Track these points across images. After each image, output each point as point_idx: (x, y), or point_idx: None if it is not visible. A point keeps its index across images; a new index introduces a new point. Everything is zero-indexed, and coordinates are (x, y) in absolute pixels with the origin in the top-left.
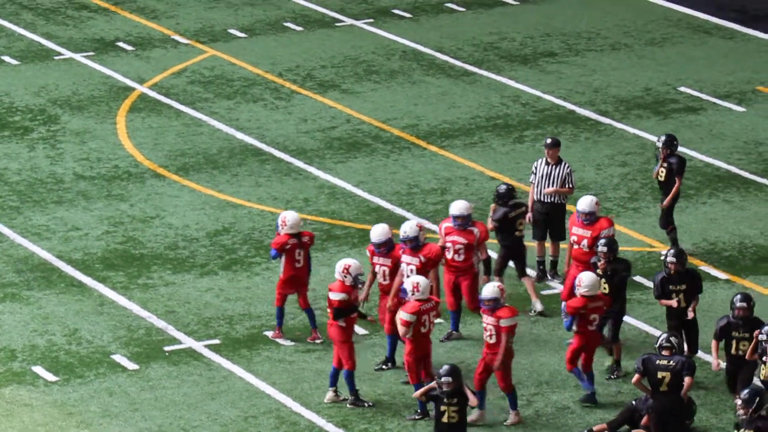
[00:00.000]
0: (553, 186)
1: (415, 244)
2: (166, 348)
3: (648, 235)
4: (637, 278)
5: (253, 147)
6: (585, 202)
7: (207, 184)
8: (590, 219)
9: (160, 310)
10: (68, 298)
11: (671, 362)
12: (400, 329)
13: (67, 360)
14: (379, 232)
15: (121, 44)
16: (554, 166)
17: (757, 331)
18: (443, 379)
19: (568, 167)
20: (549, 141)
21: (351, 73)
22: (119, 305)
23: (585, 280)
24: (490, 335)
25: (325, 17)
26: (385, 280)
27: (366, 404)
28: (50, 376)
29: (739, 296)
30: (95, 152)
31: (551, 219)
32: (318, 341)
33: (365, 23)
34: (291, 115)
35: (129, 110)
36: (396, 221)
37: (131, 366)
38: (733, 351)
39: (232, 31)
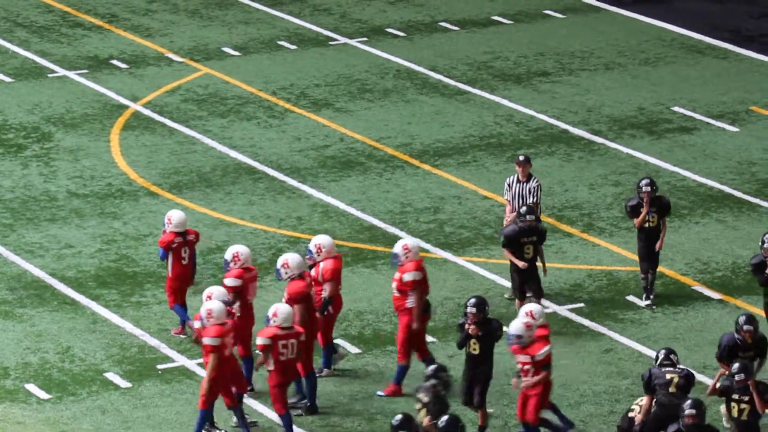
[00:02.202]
0: (526, 200)
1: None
2: (159, 366)
3: None
4: (631, 298)
5: (246, 165)
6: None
7: (200, 202)
8: (395, 262)
9: (153, 328)
10: (61, 315)
11: (677, 368)
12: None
13: (59, 378)
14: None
15: (115, 62)
16: (525, 183)
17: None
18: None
19: (536, 181)
20: (522, 158)
21: (345, 91)
22: (112, 323)
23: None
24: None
25: (319, 36)
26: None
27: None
28: (43, 394)
29: (743, 318)
30: (89, 170)
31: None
32: (182, 336)
33: (359, 42)
34: (284, 134)
35: (122, 128)
36: (389, 240)
37: (124, 384)
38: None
39: (225, 49)
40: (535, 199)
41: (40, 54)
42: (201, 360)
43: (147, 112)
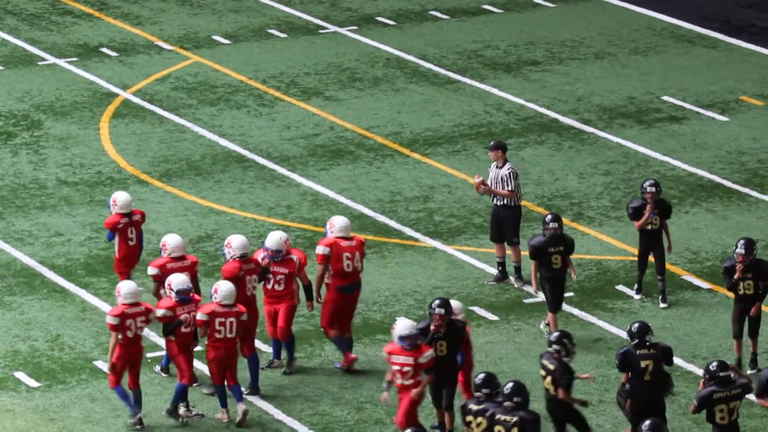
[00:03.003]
0: (496, 188)
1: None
2: (149, 354)
3: (631, 244)
4: (620, 287)
5: (236, 154)
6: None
7: (190, 191)
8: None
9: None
10: (50, 303)
11: (651, 350)
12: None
13: (49, 366)
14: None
15: (104, 50)
16: (500, 169)
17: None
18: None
19: (508, 169)
20: (492, 143)
21: (334, 80)
22: (102, 311)
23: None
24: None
25: (309, 24)
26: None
27: (182, 419)
28: (32, 382)
29: (741, 240)
30: (78, 158)
31: (501, 221)
32: None
33: (349, 30)
34: (274, 122)
35: (112, 116)
36: (378, 229)
37: None
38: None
39: (215, 37)
40: (509, 187)
41: (30, 42)
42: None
43: (137, 100)
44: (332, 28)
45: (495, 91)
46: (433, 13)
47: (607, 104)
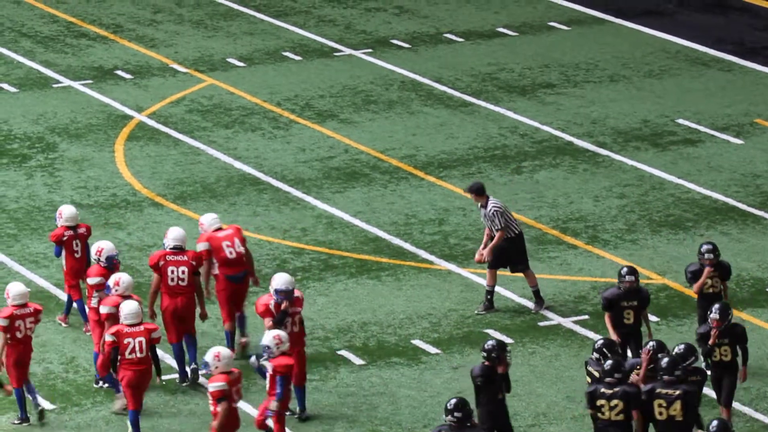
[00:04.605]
0: (486, 228)
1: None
2: (163, 377)
3: (645, 266)
4: None
5: (251, 176)
6: (282, 280)
7: (204, 213)
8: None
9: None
10: (65, 326)
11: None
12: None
13: (64, 388)
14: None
15: (119, 72)
16: (484, 209)
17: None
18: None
19: (491, 210)
20: (467, 188)
21: (349, 102)
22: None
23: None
24: None
25: (324, 47)
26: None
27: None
28: (47, 404)
29: (716, 305)
30: (93, 180)
31: (510, 253)
32: (64, 325)
33: (364, 53)
34: (289, 145)
35: (127, 138)
36: (393, 251)
37: None
38: (716, 358)
39: (230, 60)
40: (498, 226)
41: (45, 64)
42: (204, 371)
43: (151, 122)
44: (347, 50)
45: (510, 113)
46: (448, 36)
47: (622, 127)
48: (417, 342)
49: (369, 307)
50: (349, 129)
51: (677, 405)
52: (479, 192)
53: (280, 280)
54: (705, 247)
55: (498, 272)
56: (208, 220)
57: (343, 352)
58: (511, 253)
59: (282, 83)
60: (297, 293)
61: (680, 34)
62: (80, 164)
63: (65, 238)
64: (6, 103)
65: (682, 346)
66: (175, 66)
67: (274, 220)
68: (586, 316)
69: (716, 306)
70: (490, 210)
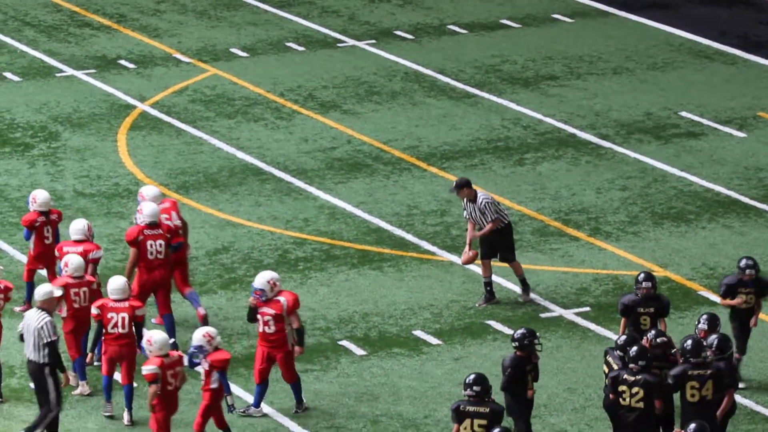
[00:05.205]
0: (478, 223)
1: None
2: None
3: (647, 259)
4: None
5: (253, 166)
6: (260, 279)
7: (207, 203)
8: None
9: (159, 328)
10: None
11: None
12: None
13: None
14: (258, 278)
15: (122, 62)
16: (473, 204)
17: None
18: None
19: (481, 201)
20: (453, 186)
21: (352, 93)
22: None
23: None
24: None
25: (327, 38)
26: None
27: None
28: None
29: (704, 315)
30: (95, 169)
31: (498, 245)
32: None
33: (367, 44)
34: (292, 135)
35: (130, 128)
36: (395, 242)
37: None
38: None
39: (234, 50)
40: (489, 218)
41: (48, 53)
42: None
43: (154, 112)
44: (350, 41)
45: (513, 105)
46: (452, 27)
47: (625, 119)
48: (418, 333)
49: (370, 298)
50: (352, 120)
51: (709, 384)
52: (468, 185)
53: (257, 278)
54: (744, 261)
55: (499, 264)
56: (151, 193)
57: (345, 343)
58: (500, 243)
59: (285, 74)
60: (281, 296)
61: (684, 26)
62: (83, 153)
63: (37, 224)
64: (9, 92)
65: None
66: (179, 56)
67: (276, 211)
68: (588, 308)
69: (704, 316)
70: (482, 202)
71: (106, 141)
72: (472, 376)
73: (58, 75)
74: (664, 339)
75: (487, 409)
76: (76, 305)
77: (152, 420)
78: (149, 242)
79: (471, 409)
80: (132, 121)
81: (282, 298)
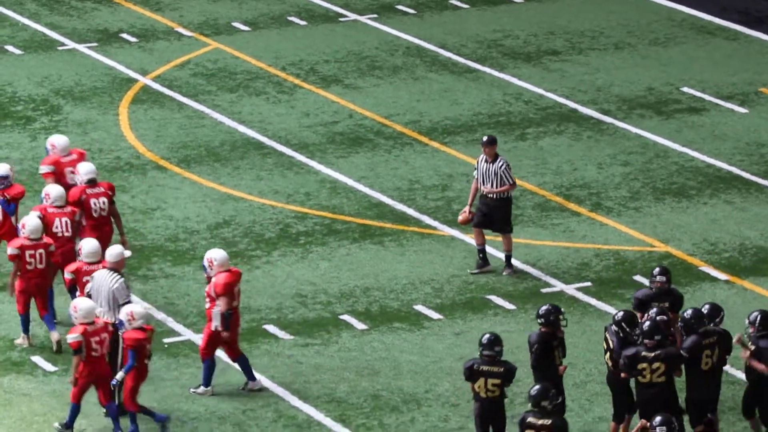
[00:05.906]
0: (489, 183)
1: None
2: (165, 340)
3: (649, 234)
4: (638, 277)
5: (255, 140)
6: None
7: (208, 177)
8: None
9: (160, 301)
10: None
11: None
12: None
13: (65, 349)
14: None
15: (124, 36)
16: (491, 164)
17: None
18: None
19: (502, 164)
20: (485, 139)
21: (354, 68)
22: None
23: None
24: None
25: (329, 12)
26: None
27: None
28: (49, 366)
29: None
30: (97, 143)
31: (495, 213)
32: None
33: (369, 18)
34: (293, 110)
35: (131, 102)
36: (397, 217)
37: None
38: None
39: (235, 24)
40: (510, 181)
41: (50, 27)
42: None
43: (156, 86)
44: (352, 16)
45: (514, 80)
46: (453, 2)
47: (627, 95)
48: (419, 307)
49: (372, 272)
50: (354, 94)
51: (717, 350)
52: (496, 143)
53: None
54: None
55: (500, 239)
56: (61, 143)
57: (346, 317)
58: (499, 212)
59: (287, 48)
60: (217, 276)
61: (686, 2)
62: (84, 127)
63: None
64: (11, 65)
65: (707, 306)
66: (180, 30)
67: (277, 185)
68: (589, 283)
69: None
70: (502, 165)
71: (108, 114)
72: (488, 336)
73: (59, 48)
74: (665, 318)
75: (501, 369)
76: (30, 267)
77: (73, 391)
78: (92, 200)
79: (485, 368)
80: (133, 95)
81: (215, 279)
